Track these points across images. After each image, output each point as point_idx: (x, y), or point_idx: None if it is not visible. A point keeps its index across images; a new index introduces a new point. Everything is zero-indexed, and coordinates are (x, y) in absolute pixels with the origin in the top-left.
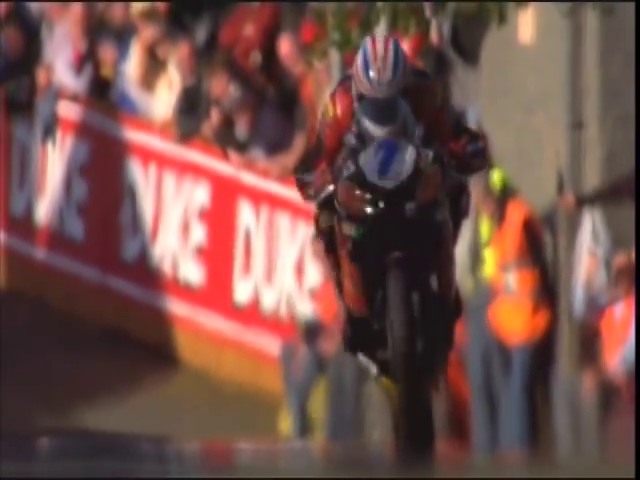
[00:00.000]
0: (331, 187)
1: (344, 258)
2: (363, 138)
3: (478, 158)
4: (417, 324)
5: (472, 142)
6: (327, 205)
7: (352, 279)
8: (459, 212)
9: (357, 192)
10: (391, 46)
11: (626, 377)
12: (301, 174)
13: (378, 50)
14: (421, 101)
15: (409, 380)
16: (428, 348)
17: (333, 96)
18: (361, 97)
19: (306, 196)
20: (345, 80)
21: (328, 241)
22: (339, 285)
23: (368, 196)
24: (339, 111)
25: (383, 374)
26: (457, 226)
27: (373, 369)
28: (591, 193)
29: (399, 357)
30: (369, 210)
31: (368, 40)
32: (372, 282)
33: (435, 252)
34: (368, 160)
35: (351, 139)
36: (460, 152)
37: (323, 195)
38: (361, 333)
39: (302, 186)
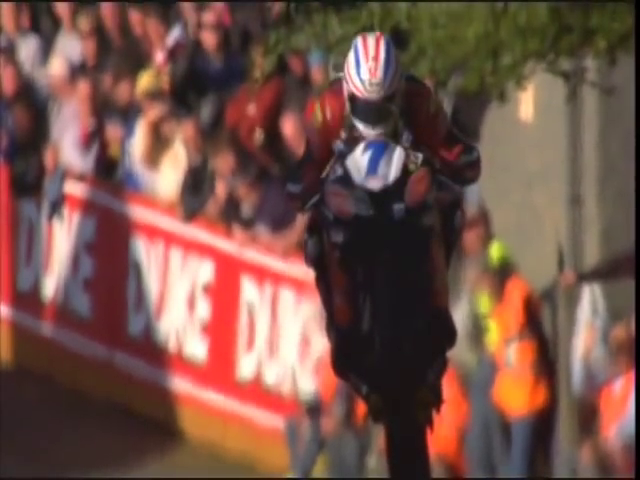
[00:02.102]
0: (318, 196)
1: (333, 270)
2: (352, 144)
3: (472, 170)
4: (405, 325)
5: (466, 153)
6: (315, 230)
7: (341, 288)
8: (452, 229)
9: (344, 194)
10: (383, 46)
11: (623, 450)
12: (291, 184)
13: (369, 50)
14: (412, 105)
15: (397, 381)
16: (418, 358)
17: (322, 100)
18: (352, 98)
19: (296, 207)
20: (335, 83)
21: (317, 268)
22: (330, 316)
23: (355, 197)
24: (329, 115)
25: (373, 391)
26: (451, 245)
27: (363, 388)
28: (591, 269)
29: (387, 357)
30: (356, 211)
31: (359, 39)
32: (360, 285)
33: (423, 258)
34: (355, 161)
35: (340, 145)
36: (453, 162)
37: (310, 204)
38: (350, 348)
39: (291, 197)
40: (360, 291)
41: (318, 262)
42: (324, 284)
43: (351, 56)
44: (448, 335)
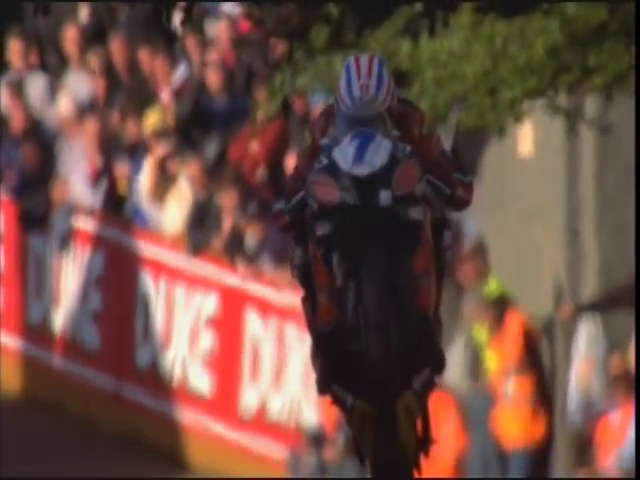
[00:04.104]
0: (302, 193)
1: (318, 268)
2: (338, 139)
3: (463, 189)
4: (391, 314)
5: (460, 172)
6: (301, 240)
7: (326, 286)
8: (441, 248)
9: (329, 182)
10: (375, 64)
11: (620, 478)
12: (277, 204)
13: (362, 68)
14: (403, 126)
15: (384, 374)
16: (404, 356)
17: (313, 125)
18: (342, 115)
19: (282, 223)
20: (327, 109)
21: (303, 280)
22: (315, 337)
23: (341, 186)
24: (319, 137)
25: (358, 397)
26: (441, 265)
27: (348, 399)
28: (588, 302)
29: (373, 345)
30: (342, 200)
31: (352, 59)
32: (345, 277)
33: (410, 252)
34: (342, 150)
35: (325, 141)
36: (444, 167)
37: (294, 201)
38: (335, 352)
39: (277, 215)
40: (345, 283)
41: (304, 272)
42: (310, 304)
43: (343, 75)
44: (435, 355)
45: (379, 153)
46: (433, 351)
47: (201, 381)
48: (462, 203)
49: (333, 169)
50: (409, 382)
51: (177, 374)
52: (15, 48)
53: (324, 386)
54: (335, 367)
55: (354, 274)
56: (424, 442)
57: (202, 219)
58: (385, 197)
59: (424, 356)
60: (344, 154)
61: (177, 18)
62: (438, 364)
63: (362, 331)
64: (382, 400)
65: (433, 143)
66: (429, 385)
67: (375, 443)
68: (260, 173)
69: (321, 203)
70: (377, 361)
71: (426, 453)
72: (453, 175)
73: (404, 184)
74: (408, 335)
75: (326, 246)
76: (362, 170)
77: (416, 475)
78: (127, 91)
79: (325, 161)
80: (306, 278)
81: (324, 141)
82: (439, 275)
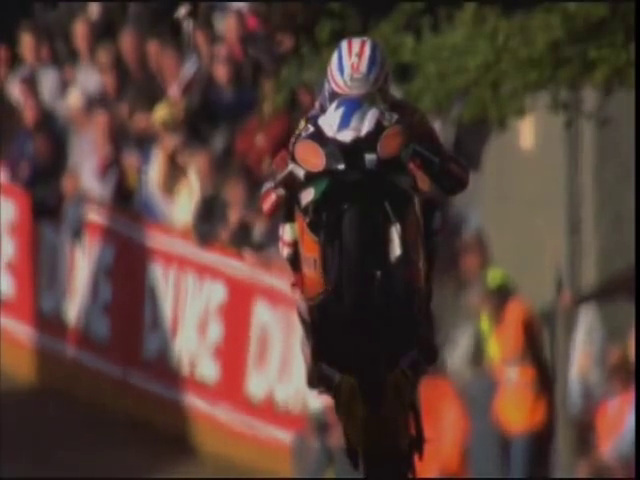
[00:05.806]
0: (290, 166)
1: (305, 237)
2: (325, 109)
3: (458, 166)
4: (374, 271)
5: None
6: (290, 216)
7: (312, 254)
8: (431, 230)
9: (315, 146)
10: (368, 45)
11: (620, 465)
12: (264, 187)
13: (354, 47)
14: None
15: (369, 340)
16: (390, 320)
17: (307, 114)
18: (333, 95)
19: (269, 203)
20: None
21: (294, 255)
22: (305, 327)
23: (327, 153)
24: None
25: (345, 371)
26: (431, 249)
27: (336, 378)
28: (588, 291)
29: (357, 303)
30: (328, 165)
31: (345, 41)
32: (331, 242)
33: (398, 220)
34: (328, 117)
35: (312, 112)
36: (434, 139)
37: (281, 177)
38: (321, 327)
39: (265, 194)
40: (331, 247)
41: (294, 252)
42: (300, 287)
43: (334, 55)
44: (425, 340)
45: (365, 120)
46: (420, 331)
47: (209, 369)
48: (458, 182)
49: (319, 136)
50: (397, 361)
51: (185, 362)
52: (27, 42)
53: (316, 382)
54: (322, 342)
55: (338, 237)
56: (417, 441)
57: (209, 211)
58: (370, 160)
59: (412, 334)
60: (330, 121)
61: (182, 10)
62: (429, 353)
63: (344, 290)
64: (368, 370)
65: (428, 126)
66: (418, 370)
67: (364, 427)
68: (266, 165)
69: (307, 167)
70: (360, 329)
71: (420, 453)
72: (444, 149)
73: (389, 147)
74: (393, 301)
75: (312, 213)
76: (347, 135)
77: (410, 475)
78: (137, 85)
79: (312, 129)
80: (296, 259)
81: (312, 112)
82: (429, 260)
